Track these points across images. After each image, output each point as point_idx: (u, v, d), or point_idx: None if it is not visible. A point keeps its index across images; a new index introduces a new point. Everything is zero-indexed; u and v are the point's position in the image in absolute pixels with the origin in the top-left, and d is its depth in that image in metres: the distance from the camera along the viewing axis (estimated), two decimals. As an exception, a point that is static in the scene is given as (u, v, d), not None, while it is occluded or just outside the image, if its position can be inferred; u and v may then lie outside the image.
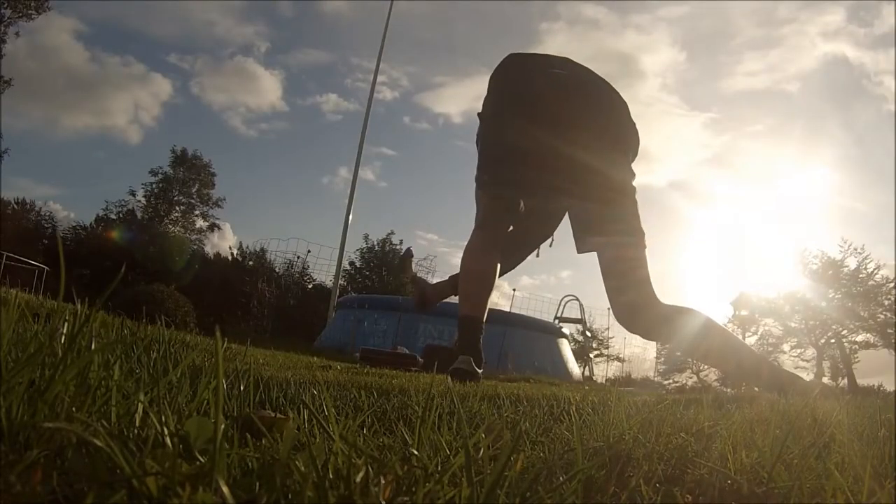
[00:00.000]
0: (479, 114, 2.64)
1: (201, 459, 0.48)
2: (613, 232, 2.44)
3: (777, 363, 20.12)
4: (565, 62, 2.57)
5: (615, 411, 0.90)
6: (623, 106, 2.52)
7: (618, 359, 25.54)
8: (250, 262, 24.22)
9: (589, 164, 2.39)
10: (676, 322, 2.41)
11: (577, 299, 22.32)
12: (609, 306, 2.52)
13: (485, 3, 46.60)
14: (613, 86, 2.54)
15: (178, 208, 29.52)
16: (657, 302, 2.42)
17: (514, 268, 2.98)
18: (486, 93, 2.63)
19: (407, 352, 6.09)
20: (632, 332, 2.53)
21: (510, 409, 1.27)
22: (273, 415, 0.68)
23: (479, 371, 2.54)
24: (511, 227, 2.81)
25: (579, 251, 2.56)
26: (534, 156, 2.46)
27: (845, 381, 19.22)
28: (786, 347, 21.89)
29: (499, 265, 2.72)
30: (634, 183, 2.50)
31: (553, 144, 2.39)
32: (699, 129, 40.58)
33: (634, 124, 2.52)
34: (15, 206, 27.44)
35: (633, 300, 2.41)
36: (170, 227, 28.85)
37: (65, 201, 50.62)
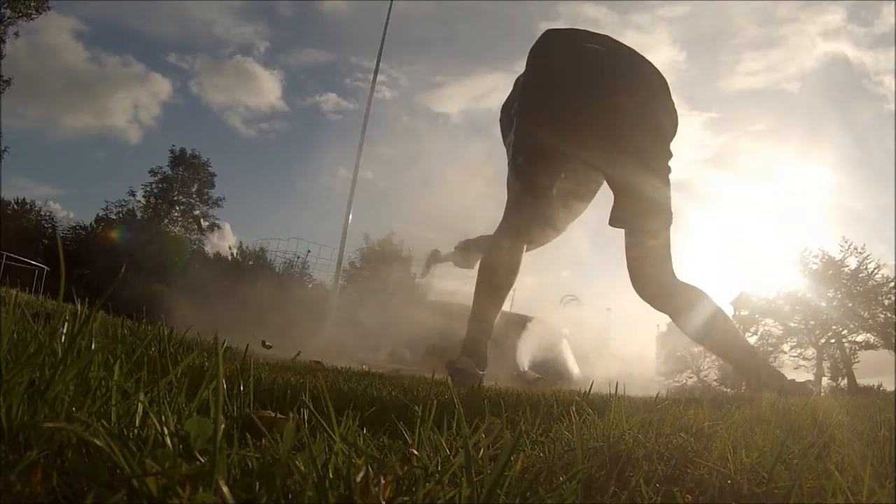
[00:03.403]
0: (515, 82, 2.66)
1: (201, 459, 0.48)
2: (636, 213, 2.46)
3: (777, 363, 20.13)
4: (605, 39, 2.55)
5: (615, 411, 0.90)
6: (661, 84, 2.51)
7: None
8: (250, 262, 24.18)
9: (617, 145, 2.40)
10: (691, 308, 2.43)
11: (577, 299, 22.26)
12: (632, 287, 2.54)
13: (485, 3, 46.49)
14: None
15: (177, 208, 29.51)
16: (674, 281, 2.45)
17: (544, 244, 3.03)
18: (524, 68, 2.64)
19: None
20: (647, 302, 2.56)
21: (510, 409, 1.27)
22: (273, 415, 0.68)
23: (482, 373, 2.53)
24: (541, 211, 2.82)
25: (609, 224, 2.59)
26: (567, 140, 2.47)
27: (845, 381, 19.19)
28: (786, 347, 21.84)
29: (521, 256, 2.72)
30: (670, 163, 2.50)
31: (585, 126, 2.40)
32: (699, 129, 40.41)
33: (672, 102, 2.52)
34: (15, 206, 27.39)
35: (650, 278, 2.45)
36: (170, 227, 28.85)
37: (65, 201, 50.45)
